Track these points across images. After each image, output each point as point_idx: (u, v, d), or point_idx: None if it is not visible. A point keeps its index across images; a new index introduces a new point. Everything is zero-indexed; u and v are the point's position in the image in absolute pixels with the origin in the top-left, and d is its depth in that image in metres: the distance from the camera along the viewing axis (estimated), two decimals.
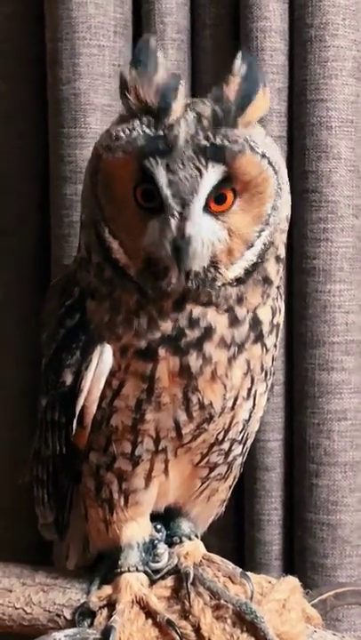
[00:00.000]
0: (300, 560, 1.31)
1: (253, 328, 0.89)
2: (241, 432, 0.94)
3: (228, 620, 0.91)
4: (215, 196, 0.82)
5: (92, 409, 0.90)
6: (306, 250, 1.27)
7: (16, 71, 1.41)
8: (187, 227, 0.80)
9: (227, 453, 0.95)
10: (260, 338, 0.90)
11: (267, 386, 0.95)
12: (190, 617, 0.92)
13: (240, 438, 0.95)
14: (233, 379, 0.89)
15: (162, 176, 0.80)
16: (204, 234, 0.82)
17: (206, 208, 0.82)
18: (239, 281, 0.86)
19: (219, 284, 0.85)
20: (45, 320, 0.98)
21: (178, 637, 0.90)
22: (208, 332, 0.86)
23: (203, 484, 0.97)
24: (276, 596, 0.94)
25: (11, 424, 1.42)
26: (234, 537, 1.39)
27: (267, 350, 0.91)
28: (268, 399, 0.98)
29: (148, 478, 0.93)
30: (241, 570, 0.97)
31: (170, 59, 1.31)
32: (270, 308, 0.90)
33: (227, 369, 0.88)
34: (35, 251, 1.43)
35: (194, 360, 0.87)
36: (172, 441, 0.91)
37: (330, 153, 1.25)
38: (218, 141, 0.80)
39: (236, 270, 0.85)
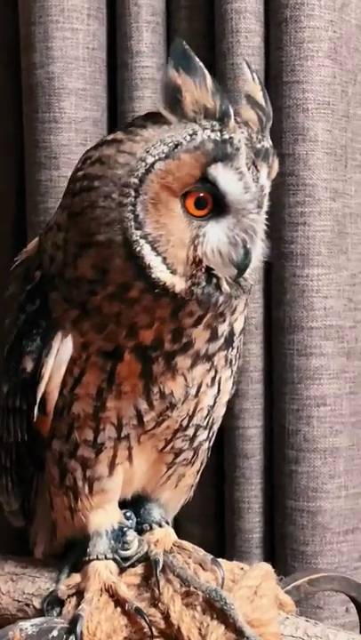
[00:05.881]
0: (280, 548, 1.30)
1: (227, 341, 0.90)
2: (206, 418, 0.94)
3: (198, 608, 0.90)
4: None
5: (54, 396, 0.90)
6: (283, 234, 1.25)
7: None
8: (257, 227, 0.83)
9: (192, 439, 0.94)
10: (228, 346, 0.91)
11: (232, 371, 0.94)
12: (160, 605, 0.91)
13: (205, 424, 0.94)
14: (194, 372, 0.89)
15: (232, 182, 0.80)
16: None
17: None
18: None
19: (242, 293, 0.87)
20: (7, 305, 0.97)
21: (146, 626, 0.89)
22: (186, 346, 0.86)
23: (169, 469, 0.96)
24: (248, 583, 0.93)
25: None
26: (214, 525, 1.38)
27: (232, 348, 0.92)
28: (237, 383, 0.98)
29: (112, 465, 0.92)
30: (212, 557, 0.95)
31: (145, 41, 1.30)
32: (243, 316, 0.92)
33: (189, 370, 0.89)
34: (12, 238, 1.42)
35: (157, 367, 0.87)
36: (134, 428, 0.90)
37: (306, 135, 1.24)
38: (266, 143, 0.83)
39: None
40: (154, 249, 0.81)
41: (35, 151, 1.30)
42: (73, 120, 1.29)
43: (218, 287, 0.83)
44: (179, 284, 0.82)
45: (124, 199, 0.80)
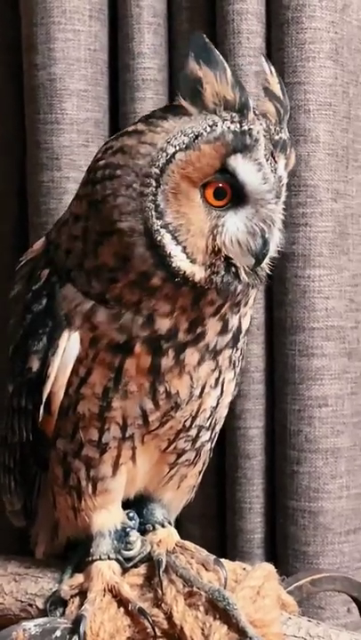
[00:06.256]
0: (281, 548, 1.30)
1: (234, 337, 0.90)
2: (209, 419, 0.94)
3: (201, 608, 0.90)
4: None
5: (59, 396, 0.90)
6: (285, 235, 1.25)
7: None
8: (275, 217, 0.84)
9: (194, 440, 0.94)
10: (235, 344, 0.91)
11: (235, 373, 0.94)
12: (163, 605, 0.91)
13: (208, 425, 0.94)
14: (200, 371, 0.89)
15: (251, 172, 0.82)
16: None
17: None
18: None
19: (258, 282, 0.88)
20: (12, 305, 0.97)
21: (149, 626, 0.89)
22: (198, 337, 0.87)
23: (171, 469, 0.97)
24: (251, 583, 0.93)
25: None
26: (216, 525, 1.38)
27: (236, 349, 0.93)
28: (240, 383, 0.98)
29: (116, 465, 0.92)
30: (215, 557, 0.96)
31: (146, 43, 1.30)
32: (249, 314, 0.92)
33: (195, 367, 0.89)
34: (13, 239, 1.42)
35: (165, 360, 0.87)
36: (139, 428, 0.90)
37: (308, 136, 1.24)
38: (283, 135, 0.85)
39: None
40: (174, 238, 0.82)
41: (36, 152, 1.30)
42: (75, 121, 1.29)
43: (237, 276, 0.84)
44: (198, 272, 0.83)
45: (145, 189, 0.81)
